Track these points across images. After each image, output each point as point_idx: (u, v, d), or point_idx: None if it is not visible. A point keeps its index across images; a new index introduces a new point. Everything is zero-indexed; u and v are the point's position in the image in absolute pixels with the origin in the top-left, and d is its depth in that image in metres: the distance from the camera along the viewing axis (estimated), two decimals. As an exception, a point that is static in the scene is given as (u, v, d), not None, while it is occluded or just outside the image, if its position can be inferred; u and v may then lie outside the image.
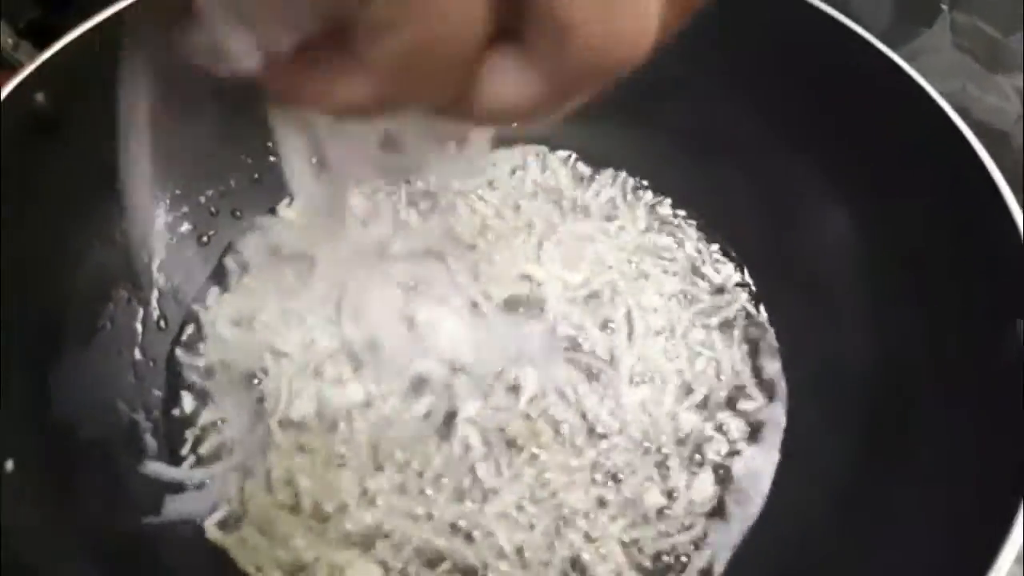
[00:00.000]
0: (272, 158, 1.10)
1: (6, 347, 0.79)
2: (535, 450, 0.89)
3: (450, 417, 0.91)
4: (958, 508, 0.70)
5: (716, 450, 0.91)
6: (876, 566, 0.74)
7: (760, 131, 1.00)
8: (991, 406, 0.72)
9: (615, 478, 0.88)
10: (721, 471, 0.90)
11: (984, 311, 0.77)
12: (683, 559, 0.84)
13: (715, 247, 1.08)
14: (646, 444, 0.91)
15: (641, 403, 0.93)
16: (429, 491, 0.87)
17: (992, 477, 0.68)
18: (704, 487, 0.88)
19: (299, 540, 0.83)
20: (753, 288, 1.04)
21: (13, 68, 0.83)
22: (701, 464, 0.90)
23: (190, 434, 0.92)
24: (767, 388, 0.96)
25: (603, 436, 0.91)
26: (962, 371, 0.78)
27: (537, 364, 0.95)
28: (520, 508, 0.86)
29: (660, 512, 0.87)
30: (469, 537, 0.84)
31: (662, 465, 0.90)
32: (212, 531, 0.84)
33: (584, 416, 0.92)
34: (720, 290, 1.04)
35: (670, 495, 0.88)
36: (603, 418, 0.92)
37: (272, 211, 1.09)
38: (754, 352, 0.99)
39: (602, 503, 0.87)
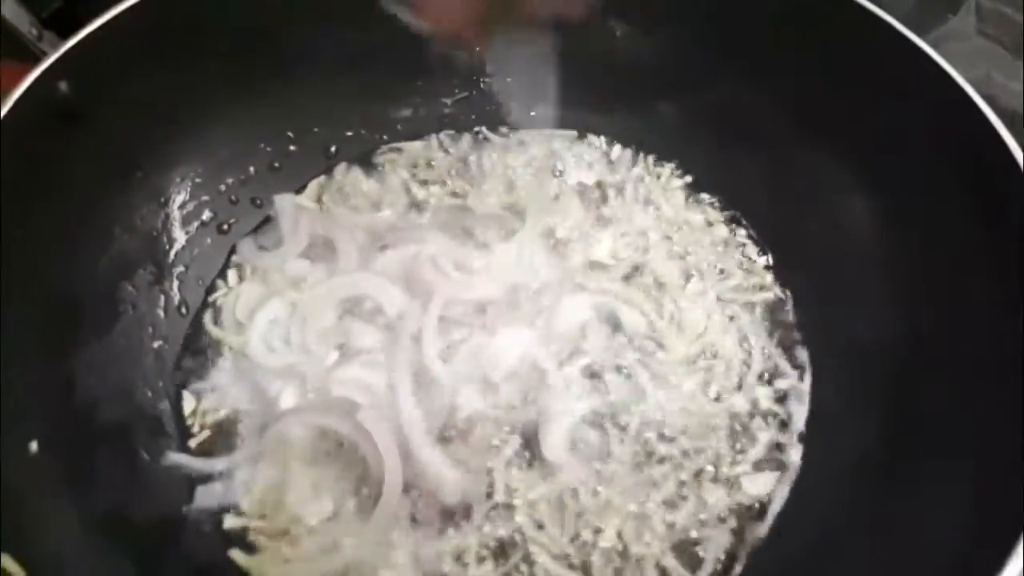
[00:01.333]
0: (292, 147, 1.11)
1: (30, 332, 0.80)
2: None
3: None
4: (981, 484, 0.70)
5: (759, 440, 0.92)
6: (899, 545, 0.74)
7: (783, 117, 1.00)
8: (1012, 384, 0.71)
9: (662, 461, 0.89)
10: (764, 463, 0.90)
11: (1006, 293, 0.76)
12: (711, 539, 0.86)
13: (741, 232, 1.07)
14: (694, 433, 0.91)
15: (687, 387, 0.94)
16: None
17: (1015, 454, 0.67)
18: (753, 484, 0.89)
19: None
20: (777, 270, 1.04)
21: (37, 58, 0.84)
22: (743, 454, 0.91)
23: (209, 421, 0.93)
24: (796, 368, 0.97)
25: (656, 424, 0.92)
26: (983, 349, 0.77)
27: (585, 348, 0.95)
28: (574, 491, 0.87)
29: (705, 503, 0.88)
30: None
31: (714, 455, 0.90)
32: (237, 555, 0.85)
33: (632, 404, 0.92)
34: (748, 272, 1.04)
35: (722, 484, 0.89)
36: (654, 403, 0.92)
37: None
38: (783, 332, 0.99)
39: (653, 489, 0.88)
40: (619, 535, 0.85)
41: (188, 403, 0.94)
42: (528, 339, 0.94)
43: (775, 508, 0.88)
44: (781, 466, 0.90)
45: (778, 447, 0.92)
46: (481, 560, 0.83)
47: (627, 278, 1.02)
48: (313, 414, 0.89)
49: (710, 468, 0.90)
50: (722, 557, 0.85)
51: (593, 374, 0.94)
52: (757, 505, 0.88)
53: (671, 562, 0.84)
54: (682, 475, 0.89)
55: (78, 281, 0.89)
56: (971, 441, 0.74)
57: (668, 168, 1.13)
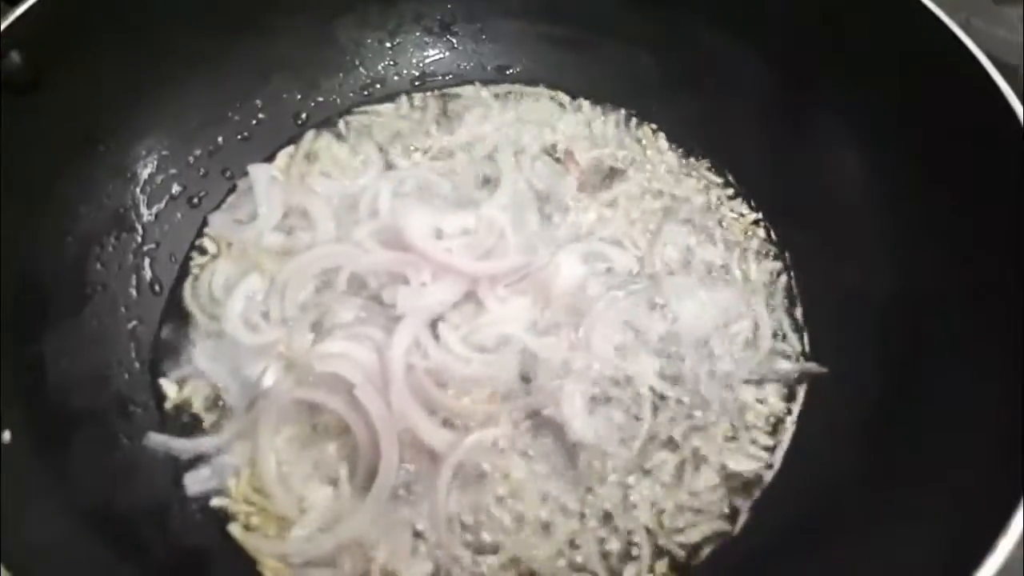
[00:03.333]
0: (260, 114, 1.07)
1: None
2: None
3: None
4: (980, 440, 0.70)
5: (758, 412, 0.90)
6: (898, 504, 0.74)
7: (771, 70, 0.98)
8: (1008, 337, 0.71)
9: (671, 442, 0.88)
10: (764, 435, 0.89)
11: (999, 241, 0.75)
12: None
13: (731, 189, 1.05)
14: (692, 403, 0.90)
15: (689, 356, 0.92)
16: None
17: (1012, 408, 0.67)
18: (745, 462, 0.87)
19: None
20: (769, 227, 1.02)
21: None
22: (739, 433, 0.89)
23: (191, 402, 0.89)
24: (795, 328, 0.95)
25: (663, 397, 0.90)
26: (980, 302, 0.77)
27: (582, 309, 0.92)
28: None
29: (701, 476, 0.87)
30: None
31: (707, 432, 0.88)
32: (235, 529, 0.83)
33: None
34: (740, 229, 1.02)
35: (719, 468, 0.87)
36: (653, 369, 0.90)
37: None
38: (778, 291, 0.98)
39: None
40: (611, 505, 0.84)
41: (167, 385, 0.91)
42: (522, 306, 0.92)
43: (769, 476, 0.87)
44: (777, 430, 0.89)
45: (776, 407, 0.91)
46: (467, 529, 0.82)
47: (616, 236, 1.00)
48: (298, 391, 0.86)
49: (707, 437, 0.88)
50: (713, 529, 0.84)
51: (591, 341, 0.91)
52: (751, 475, 0.87)
53: (660, 529, 0.83)
54: (678, 444, 0.88)
55: (43, 261, 0.86)
56: (971, 395, 0.74)
57: (653, 126, 1.11)
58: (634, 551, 0.82)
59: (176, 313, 0.95)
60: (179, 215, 1.01)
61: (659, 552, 0.82)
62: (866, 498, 0.77)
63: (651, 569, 0.81)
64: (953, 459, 0.71)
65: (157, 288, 0.96)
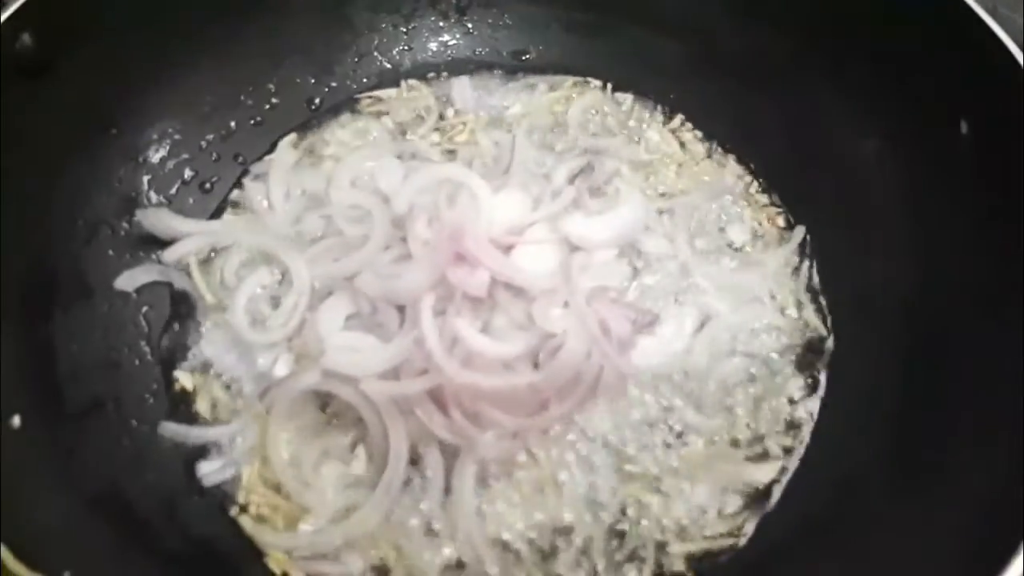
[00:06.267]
0: (273, 99, 1.06)
1: (4, 298, 0.77)
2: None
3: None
4: (1003, 428, 0.68)
5: (780, 395, 0.89)
6: (922, 494, 0.73)
7: (792, 58, 0.96)
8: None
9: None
10: (782, 434, 0.88)
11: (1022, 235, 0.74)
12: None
13: (753, 179, 1.04)
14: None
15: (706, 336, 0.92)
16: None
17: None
18: (764, 470, 0.86)
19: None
20: (792, 217, 1.01)
21: (-4, 7, 0.79)
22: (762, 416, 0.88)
23: (202, 389, 0.89)
24: (817, 316, 0.94)
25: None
26: (1001, 297, 0.75)
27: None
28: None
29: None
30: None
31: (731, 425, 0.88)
32: (245, 521, 0.82)
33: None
34: (766, 221, 1.01)
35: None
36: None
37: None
38: (801, 284, 0.96)
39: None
40: (623, 511, 0.83)
41: (178, 372, 0.90)
42: (545, 297, 0.89)
43: (786, 478, 0.86)
44: (795, 427, 0.88)
45: (796, 400, 0.90)
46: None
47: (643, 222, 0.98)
48: (310, 381, 0.85)
49: (727, 431, 0.88)
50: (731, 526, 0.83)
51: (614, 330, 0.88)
52: (768, 476, 0.86)
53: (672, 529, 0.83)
54: (694, 441, 0.87)
55: (54, 244, 0.85)
56: (991, 394, 0.72)
57: (678, 116, 1.09)
58: (641, 554, 0.81)
59: (187, 300, 0.94)
60: (191, 200, 1.00)
61: (662, 552, 0.82)
62: (882, 501, 0.76)
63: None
64: (973, 462, 0.70)
65: (169, 274, 0.96)
